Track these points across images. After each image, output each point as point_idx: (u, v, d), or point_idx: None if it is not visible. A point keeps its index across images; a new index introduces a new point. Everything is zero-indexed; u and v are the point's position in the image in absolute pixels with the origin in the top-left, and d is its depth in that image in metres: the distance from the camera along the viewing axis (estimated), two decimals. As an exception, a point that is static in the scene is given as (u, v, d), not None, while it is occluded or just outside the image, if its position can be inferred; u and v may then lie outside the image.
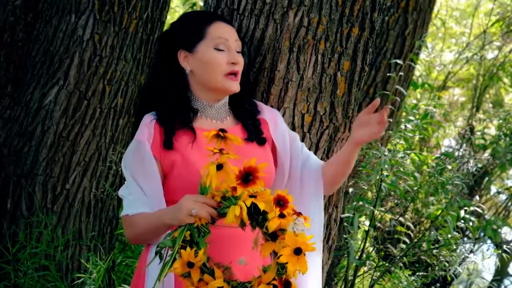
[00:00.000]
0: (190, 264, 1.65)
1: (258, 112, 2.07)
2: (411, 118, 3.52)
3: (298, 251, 1.61)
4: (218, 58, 1.95)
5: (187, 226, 1.67)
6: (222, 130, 1.73)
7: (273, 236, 1.65)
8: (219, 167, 1.67)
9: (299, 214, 1.65)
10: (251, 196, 1.64)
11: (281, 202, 1.64)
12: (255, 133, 2.02)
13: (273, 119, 2.08)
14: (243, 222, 1.65)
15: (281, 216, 1.63)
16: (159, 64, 2.00)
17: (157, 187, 1.89)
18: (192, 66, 1.97)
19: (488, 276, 4.88)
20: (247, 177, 1.65)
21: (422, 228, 4.43)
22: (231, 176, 1.67)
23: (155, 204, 1.87)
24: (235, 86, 1.97)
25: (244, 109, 2.04)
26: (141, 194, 1.88)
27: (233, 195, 1.66)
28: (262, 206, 1.63)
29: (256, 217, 1.66)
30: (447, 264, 3.51)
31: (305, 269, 1.63)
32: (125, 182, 1.94)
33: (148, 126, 1.91)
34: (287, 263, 1.61)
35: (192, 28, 1.96)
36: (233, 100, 2.04)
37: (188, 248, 1.65)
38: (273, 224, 1.63)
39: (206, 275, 1.67)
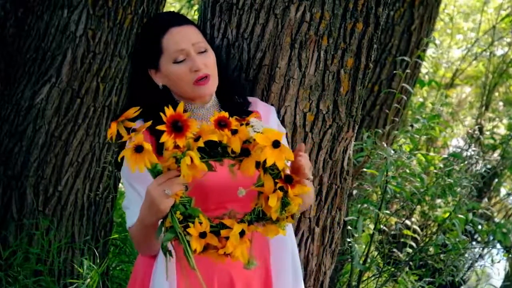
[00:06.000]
0: (203, 234, 1.64)
1: (249, 104, 2.06)
2: (418, 117, 3.56)
3: (276, 144, 1.62)
4: (179, 71, 1.93)
5: (172, 210, 1.66)
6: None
7: (245, 152, 1.64)
8: (139, 149, 1.62)
9: (243, 119, 1.66)
10: (195, 140, 1.62)
11: (222, 123, 1.63)
12: None
13: (266, 113, 2.06)
14: (210, 165, 1.64)
15: (234, 132, 1.62)
16: (138, 80, 2.01)
17: None
18: (162, 82, 1.98)
19: (498, 281, 4.85)
20: (176, 124, 1.62)
21: (429, 232, 4.46)
22: (152, 157, 1.63)
23: None
24: (206, 90, 1.95)
25: (233, 104, 2.02)
26: (139, 201, 1.85)
27: (182, 151, 1.63)
28: (215, 138, 1.62)
29: (216, 151, 1.65)
30: (455, 269, 3.52)
31: (291, 155, 1.65)
32: (125, 194, 1.93)
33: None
34: (274, 163, 1.62)
35: (150, 44, 1.96)
36: (221, 96, 2.03)
37: (190, 224, 1.64)
38: (235, 143, 1.62)
39: (223, 231, 1.67)
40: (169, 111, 1.62)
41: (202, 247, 1.65)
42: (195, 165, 1.61)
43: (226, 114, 1.65)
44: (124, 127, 1.71)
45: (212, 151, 1.65)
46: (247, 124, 1.65)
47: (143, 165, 1.62)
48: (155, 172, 1.67)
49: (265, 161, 1.62)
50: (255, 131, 1.64)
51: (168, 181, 1.65)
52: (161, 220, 1.69)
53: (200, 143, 1.61)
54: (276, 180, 1.65)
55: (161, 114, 1.62)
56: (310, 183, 1.72)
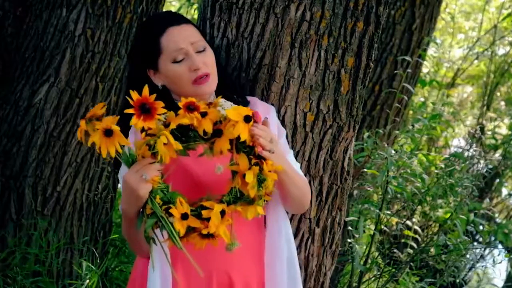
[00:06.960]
0: (185, 216, 1.66)
1: (248, 103, 2.05)
2: (419, 117, 3.54)
3: (247, 119, 1.65)
4: (179, 71, 1.93)
5: (151, 195, 1.67)
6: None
7: (218, 133, 1.66)
8: (108, 132, 1.60)
9: (211, 103, 1.68)
10: (166, 126, 1.63)
11: (191, 107, 1.64)
12: None
13: (265, 113, 2.05)
14: (184, 151, 1.66)
15: (203, 114, 1.64)
16: (136, 81, 1.99)
17: None
18: (162, 82, 1.97)
19: (499, 282, 4.83)
20: (144, 107, 1.61)
21: (430, 232, 4.44)
22: (122, 139, 1.62)
23: None
24: (206, 88, 1.95)
25: (231, 102, 1.98)
26: None
27: (154, 138, 1.64)
28: (186, 121, 1.63)
29: (188, 135, 1.66)
30: (456, 270, 3.51)
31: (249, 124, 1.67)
32: (122, 196, 1.93)
33: (134, 133, 1.87)
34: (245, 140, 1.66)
35: (148, 44, 1.96)
36: (220, 95, 2.00)
37: (171, 206, 1.66)
38: (206, 125, 1.64)
39: (204, 211, 1.68)
40: (135, 94, 1.61)
41: (185, 229, 1.66)
42: (170, 144, 1.62)
43: (192, 98, 1.66)
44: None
45: (184, 136, 1.66)
46: (215, 105, 1.67)
47: (114, 149, 1.61)
48: (130, 161, 1.68)
49: (237, 140, 1.64)
50: (224, 109, 1.65)
51: (144, 167, 1.66)
52: (141, 210, 1.69)
53: (173, 126, 1.62)
54: (250, 156, 1.67)
55: (127, 97, 1.61)
56: (274, 155, 1.72)
